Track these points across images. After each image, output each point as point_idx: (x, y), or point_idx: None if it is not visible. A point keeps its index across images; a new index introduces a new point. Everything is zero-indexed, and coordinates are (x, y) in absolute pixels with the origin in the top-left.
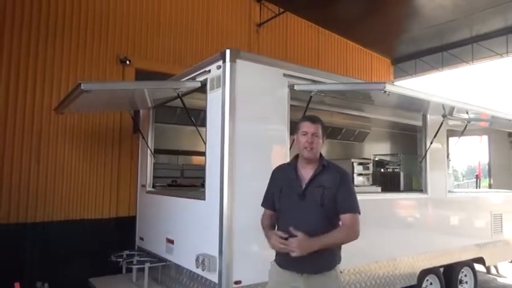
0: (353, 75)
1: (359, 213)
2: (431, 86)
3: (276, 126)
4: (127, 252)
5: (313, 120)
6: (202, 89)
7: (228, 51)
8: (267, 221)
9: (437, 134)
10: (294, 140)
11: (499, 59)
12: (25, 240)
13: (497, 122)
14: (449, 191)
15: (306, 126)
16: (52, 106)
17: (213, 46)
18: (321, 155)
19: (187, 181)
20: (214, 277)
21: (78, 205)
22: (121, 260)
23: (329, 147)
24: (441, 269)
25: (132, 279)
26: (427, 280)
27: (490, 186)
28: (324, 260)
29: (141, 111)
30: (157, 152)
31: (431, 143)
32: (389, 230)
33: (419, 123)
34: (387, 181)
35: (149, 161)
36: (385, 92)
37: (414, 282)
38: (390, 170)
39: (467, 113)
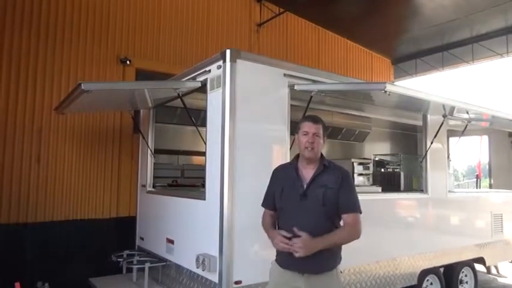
0: (353, 75)
1: (361, 212)
2: (432, 86)
3: (277, 126)
4: (127, 252)
5: (315, 120)
6: (203, 89)
7: (228, 51)
8: (268, 221)
9: (438, 134)
10: (294, 139)
11: (499, 59)
12: (25, 240)
13: (497, 122)
14: (450, 191)
15: (308, 126)
16: (52, 106)
17: (213, 46)
18: (322, 155)
19: (188, 181)
20: (214, 277)
21: (78, 205)
22: (121, 260)
23: (329, 147)
24: (442, 269)
25: (132, 279)
26: (427, 280)
27: (490, 186)
28: (325, 260)
29: (141, 111)
30: (157, 152)
31: (432, 143)
32: (389, 230)
33: (420, 123)
34: (387, 181)
35: (150, 161)
36: (385, 92)
37: (414, 282)
38: (391, 170)
39: (467, 113)
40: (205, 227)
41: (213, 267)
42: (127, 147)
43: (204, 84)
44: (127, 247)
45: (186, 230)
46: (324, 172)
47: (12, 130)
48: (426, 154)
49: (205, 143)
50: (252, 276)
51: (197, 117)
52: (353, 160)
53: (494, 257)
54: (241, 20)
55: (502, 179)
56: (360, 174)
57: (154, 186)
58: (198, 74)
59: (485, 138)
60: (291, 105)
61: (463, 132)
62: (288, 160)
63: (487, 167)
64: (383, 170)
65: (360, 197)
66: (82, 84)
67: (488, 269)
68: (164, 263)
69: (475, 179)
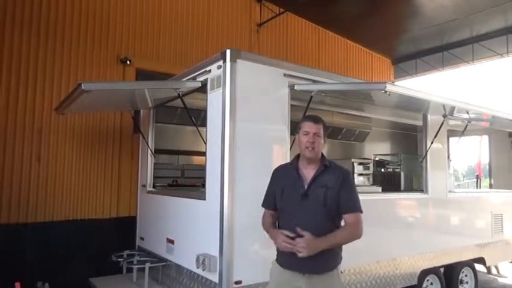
0: (353, 75)
1: (362, 212)
2: (432, 86)
3: (277, 126)
4: (128, 252)
5: (315, 120)
6: (203, 89)
7: (228, 51)
8: (268, 221)
9: (438, 134)
10: (294, 139)
11: (499, 59)
12: (26, 240)
13: (497, 122)
14: (450, 191)
15: (308, 126)
16: (53, 106)
17: (213, 46)
18: (322, 154)
19: (188, 181)
20: (214, 277)
21: (78, 205)
22: (121, 260)
23: (330, 147)
24: (442, 269)
25: (132, 279)
26: (427, 280)
27: (490, 186)
28: (326, 260)
29: (141, 111)
30: (157, 152)
31: (432, 143)
32: (389, 230)
33: (420, 123)
34: (387, 181)
35: (150, 161)
36: (386, 92)
37: (414, 282)
38: (391, 170)
39: (467, 113)
40: (206, 227)
41: (213, 267)
42: (127, 147)
43: (204, 84)
44: (127, 247)
45: (186, 230)
46: (324, 172)
47: (13, 130)
48: (426, 154)
49: (205, 143)
50: (252, 276)
51: (197, 117)
52: (353, 160)
53: (494, 257)
54: (241, 19)
55: (502, 179)
56: (360, 174)
57: (154, 186)
58: (198, 74)
59: (486, 138)
60: (291, 105)
61: (463, 132)
62: (289, 160)
63: (487, 167)
64: (383, 170)
65: (360, 197)
66: (82, 84)
67: (489, 269)
68: (165, 263)
69: (475, 179)
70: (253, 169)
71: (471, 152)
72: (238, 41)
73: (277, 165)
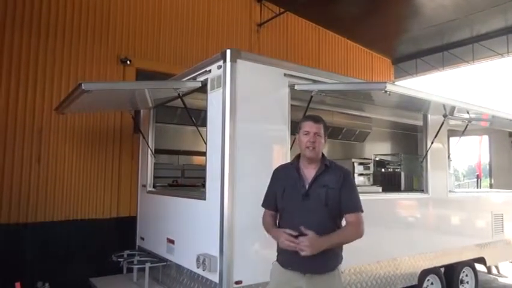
0: (353, 75)
1: (363, 211)
2: (432, 85)
3: (277, 126)
4: (128, 252)
5: (316, 119)
6: (203, 89)
7: (228, 51)
8: (269, 221)
9: (438, 134)
10: (294, 139)
11: (499, 59)
12: (26, 240)
13: (498, 122)
14: (450, 191)
15: (309, 126)
16: (53, 106)
17: (214, 46)
18: (323, 154)
19: (188, 181)
20: (214, 277)
21: (79, 205)
22: (121, 260)
23: (330, 147)
24: (442, 269)
25: (133, 279)
26: (428, 280)
27: (491, 186)
28: (327, 259)
29: (142, 111)
30: (157, 152)
31: (432, 142)
32: (390, 230)
33: (420, 123)
34: (388, 181)
35: (150, 161)
36: (386, 91)
37: (415, 282)
38: (391, 170)
39: (467, 112)
40: (206, 227)
41: (214, 267)
42: (128, 147)
43: (204, 84)
44: (128, 247)
45: (187, 230)
46: (325, 172)
47: (13, 130)
48: (426, 154)
49: (206, 143)
50: (252, 276)
51: (197, 117)
52: (353, 160)
53: (494, 257)
54: (242, 20)
55: (502, 179)
56: (360, 174)
57: (154, 186)
58: (198, 74)
59: (486, 138)
60: (292, 105)
61: (463, 132)
62: (289, 160)
63: (488, 167)
64: (383, 170)
65: (360, 197)
66: (82, 84)
67: (489, 269)
68: (165, 263)
69: (476, 179)
70: (253, 169)
71: (471, 151)
72: (238, 41)
73: (277, 165)
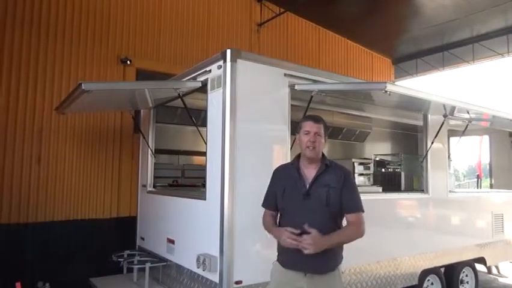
0: (353, 75)
1: (363, 211)
2: (432, 85)
3: (277, 126)
4: (128, 252)
5: (316, 119)
6: (203, 89)
7: (228, 51)
8: (269, 221)
9: (438, 134)
10: (295, 139)
11: (500, 59)
12: (26, 240)
13: (498, 122)
14: (450, 191)
15: (309, 126)
16: (53, 106)
17: (214, 46)
18: (323, 154)
19: (188, 181)
20: (215, 277)
21: (79, 205)
22: (121, 260)
23: (330, 147)
24: (442, 269)
25: (133, 279)
26: (428, 280)
27: (491, 186)
28: (328, 259)
29: (142, 111)
30: (157, 152)
31: (432, 142)
32: (390, 230)
33: (420, 123)
34: (388, 181)
35: (150, 161)
36: (386, 91)
37: (415, 282)
38: (391, 170)
39: (468, 112)
40: (206, 227)
41: (214, 267)
42: (128, 147)
43: (204, 84)
44: (128, 247)
45: (187, 230)
46: (326, 172)
47: (13, 130)
48: (427, 154)
49: (206, 143)
50: (252, 276)
51: (197, 117)
52: (353, 160)
53: (495, 257)
54: (242, 19)
55: (502, 179)
56: (360, 174)
57: (154, 186)
58: (199, 74)
59: (486, 138)
60: (292, 105)
61: (463, 132)
62: (289, 160)
63: (488, 167)
64: (383, 170)
65: (361, 197)
66: (83, 84)
67: (489, 269)
68: (165, 263)
69: (476, 179)
70: (253, 169)
71: (471, 152)
72: (238, 41)
73: (277, 165)
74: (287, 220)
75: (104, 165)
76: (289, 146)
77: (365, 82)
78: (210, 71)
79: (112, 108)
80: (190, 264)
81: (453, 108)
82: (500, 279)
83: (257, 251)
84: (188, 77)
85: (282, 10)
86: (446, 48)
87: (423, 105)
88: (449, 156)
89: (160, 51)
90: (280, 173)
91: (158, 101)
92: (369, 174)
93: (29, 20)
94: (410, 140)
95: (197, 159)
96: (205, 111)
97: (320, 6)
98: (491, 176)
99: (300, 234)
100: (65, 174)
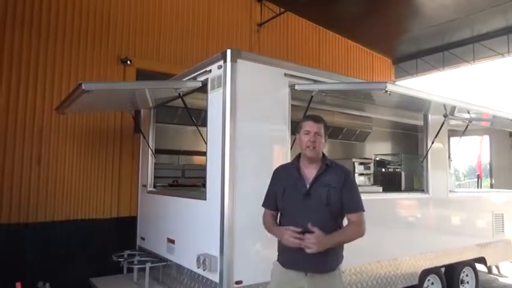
0: (354, 75)
1: (364, 211)
2: (433, 85)
3: (277, 126)
4: (128, 252)
5: (316, 119)
6: (203, 88)
7: (228, 51)
8: (270, 220)
9: (439, 134)
10: (295, 139)
11: (500, 59)
12: (26, 240)
13: (498, 122)
14: (451, 191)
15: (309, 125)
16: (53, 106)
17: (214, 46)
18: (323, 154)
19: (188, 181)
20: (215, 277)
21: (79, 205)
22: (122, 259)
23: (330, 147)
24: (443, 269)
25: (133, 279)
26: (428, 280)
27: (491, 186)
28: (329, 259)
29: (142, 111)
30: (158, 152)
31: (433, 142)
32: (390, 230)
33: (420, 123)
34: (388, 181)
35: (150, 160)
36: (386, 91)
37: (415, 282)
38: (392, 169)
39: (468, 112)
40: (206, 227)
41: (214, 267)
42: (128, 147)
43: (204, 84)
44: (128, 247)
45: (187, 230)
46: (326, 171)
47: (13, 130)
48: (427, 154)
49: (206, 143)
50: (252, 276)
51: (198, 117)
52: (353, 160)
53: (495, 256)
54: (242, 19)
55: (503, 179)
56: (361, 174)
57: (154, 186)
58: (199, 74)
59: (486, 138)
60: (292, 105)
61: (464, 132)
62: (289, 160)
63: (488, 166)
64: (383, 169)
65: (361, 196)
66: (83, 84)
67: (489, 269)
68: (165, 263)
69: (476, 179)
70: (253, 169)
71: (472, 151)
72: (238, 41)
73: (277, 165)
74: (287, 220)
75: (104, 165)
76: (290, 146)
77: (365, 82)
78: (210, 71)
79: (112, 108)
80: (190, 264)
81: (453, 108)
82: (501, 279)
83: (257, 251)
84: (189, 77)
85: (282, 10)
86: (446, 48)
87: (423, 105)
88: (449, 156)
89: (160, 51)
90: (280, 173)
91: (158, 101)
92: (369, 174)
93: (29, 20)
94: (411, 140)
95: (197, 159)
96: (205, 111)
97: (320, 6)
98: (491, 176)
99: (302, 233)
100: (65, 174)
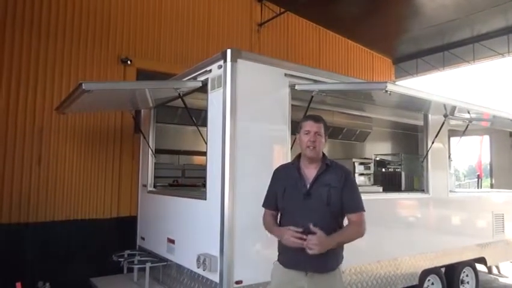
0: (354, 75)
1: (364, 210)
2: (433, 85)
3: (277, 126)
4: (128, 252)
5: (316, 119)
6: (203, 88)
7: (229, 51)
8: (270, 220)
9: (439, 134)
10: (295, 139)
11: (500, 59)
12: (26, 240)
13: (498, 122)
14: (451, 191)
15: (309, 125)
16: (53, 106)
17: (214, 46)
18: (323, 154)
19: (188, 181)
20: (215, 277)
21: (79, 205)
22: (122, 259)
23: (330, 147)
24: (443, 269)
25: (133, 279)
26: (428, 280)
27: (491, 186)
28: (329, 259)
29: (142, 111)
30: (158, 151)
31: (433, 142)
32: (390, 230)
33: (421, 123)
34: (388, 181)
35: (151, 160)
36: (386, 91)
37: (415, 282)
38: (392, 169)
39: (468, 112)
40: (206, 226)
41: (214, 267)
42: (128, 147)
43: (204, 84)
44: (128, 247)
45: (187, 229)
46: (326, 171)
47: (13, 130)
48: (427, 154)
49: (206, 143)
50: (253, 276)
51: (198, 117)
52: (354, 160)
53: (495, 257)
54: (242, 19)
55: (503, 179)
56: (361, 174)
57: (155, 186)
58: (199, 74)
59: (487, 138)
60: (292, 105)
61: (464, 132)
62: (289, 160)
63: (488, 167)
64: (384, 169)
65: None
66: (83, 84)
67: (490, 269)
68: (165, 263)
69: (476, 179)
70: (253, 169)
71: (472, 151)
72: (238, 41)
73: (278, 165)
74: (288, 220)
75: (104, 165)
76: (290, 146)
77: (366, 82)
78: (210, 70)
79: (112, 108)
80: (190, 264)
81: (453, 108)
82: (501, 279)
83: (257, 250)
84: (189, 77)
85: (282, 10)
86: (446, 48)
87: (423, 105)
88: (449, 156)
89: (161, 51)
90: (280, 173)
91: (158, 101)
92: (369, 174)
93: (29, 21)
94: (411, 140)
95: (197, 159)
96: (206, 111)
97: (320, 6)
98: (491, 176)
99: (302, 233)
100: (66, 174)
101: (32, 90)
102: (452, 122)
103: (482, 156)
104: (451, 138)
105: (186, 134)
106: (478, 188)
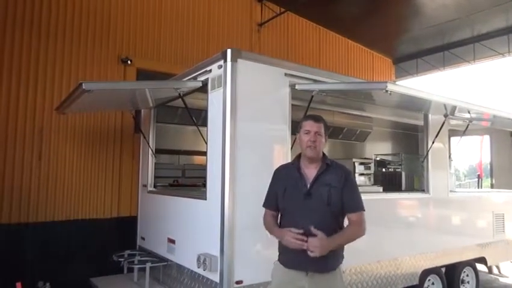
0: (354, 75)
1: (364, 210)
2: (433, 85)
3: (277, 125)
4: (129, 252)
5: (316, 119)
6: (204, 88)
7: (229, 51)
8: (271, 221)
9: (439, 134)
10: (295, 139)
11: (500, 59)
12: (27, 240)
13: (499, 122)
14: (451, 191)
15: (309, 125)
16: (53, 106)
17: (214, 46)
18: (324, 153)
19: (189, 181)
20: (215, 277)
21: (79, 205)
22: (122, 259)
23: (330, 147)
24: (443, 269)
25: (133, 279)
26: (429, 280)
27: (492, 186)
28: (329, 259)
29: (142, 111)
30: (158, 151)
31: (433, 142)
32: (390, 230)
33: (421, 122)
34: (388, 181)
35: (151, 160)
36: (387, 91)
37: (416, 282)
38: (392, 169)
39: (468, 112)
40: (206, 226)
41: (214, 267)
42: (128, 147)
43: (204, 84)
44: (128, 247)
45: (187, 229)
46: (327, 171)
47: (14, 130)
48: (427, 154)
49: (206, 143)
50: (253, 276)
51: (198, 117)
52: (354, 160)
53: (495, 256)
54: (242, 19)
55: (503, 179)
56: (361, 174)
57: (155, 186)
58: (199, 74)
59: (487, 137)
60: (292, 104)
61: (464, 132)
62: (289, 160)
63: (489, 166)
64: (384, 169)
65: (361, 196)
66: (83, 84)
67: (490, 269)
68: (166, 263)
69: (477, 179)
70: (254, 169)
71: (472, 151)
72: (239, 41)
73: (278, 165)
74: (288, 220)
75: (104, 165)
76: (290, 146)
77: (366, 82)
78: (210, 70)
79: (112, 108)
80: (190, 264)
81: (454, 108)
82: (501, 279)
83: (258, 250)
84: (189, 77)
85: (282, 10)
86: (446, 48)
87: (424, 105)
88: (449, 156)
89: (161, 51)
90: (281, 173)
91: (158, 101)
92: (369, 174)
93: (29, 21)
94: (411, 140)
95: (197, 159)
96: (206, 111)
97: (321, 6)
98: (492, 176)
99: (303, 235)
100: (66, 174)
101: (32, 90)
102: (453, 122)
103: (482, 156)
104: (451, 138)
105: (186, 134)
106: (478, 187)
